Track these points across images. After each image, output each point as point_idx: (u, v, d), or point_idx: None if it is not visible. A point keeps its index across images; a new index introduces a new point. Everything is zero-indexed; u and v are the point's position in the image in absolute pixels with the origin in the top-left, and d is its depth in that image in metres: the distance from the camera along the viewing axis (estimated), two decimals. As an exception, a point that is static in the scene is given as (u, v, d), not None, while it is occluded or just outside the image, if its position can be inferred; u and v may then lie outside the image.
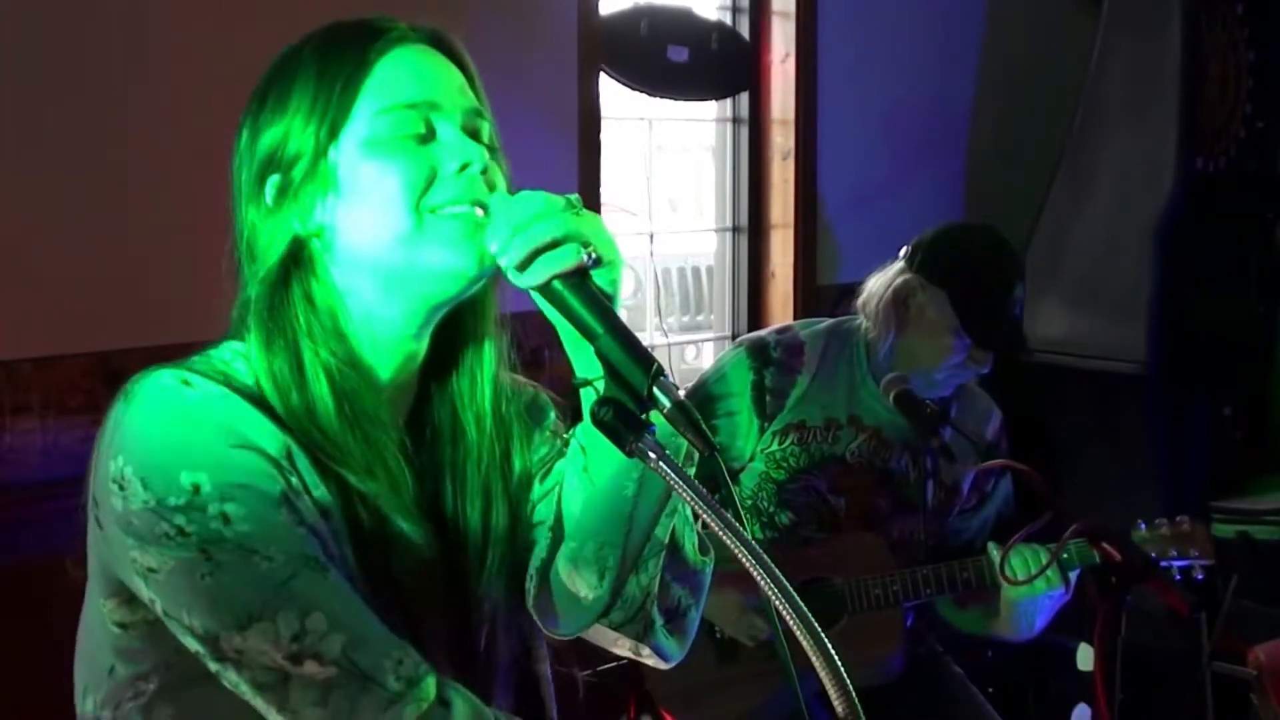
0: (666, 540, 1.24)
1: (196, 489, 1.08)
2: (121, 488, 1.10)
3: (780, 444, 2.41)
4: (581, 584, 1.24)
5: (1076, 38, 3.88)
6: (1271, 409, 3.79)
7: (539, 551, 1.29)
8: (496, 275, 1.18)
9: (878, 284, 2.44)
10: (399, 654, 1.10)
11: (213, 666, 1.10)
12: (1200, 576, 2.34)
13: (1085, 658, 2.36)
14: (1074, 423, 3.71)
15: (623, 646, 1.29)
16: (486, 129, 1.22)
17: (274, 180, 1.19)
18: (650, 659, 1.30)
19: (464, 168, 1.17)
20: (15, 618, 2.29)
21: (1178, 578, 2.33)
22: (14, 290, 2.34)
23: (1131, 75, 3.70)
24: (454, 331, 1.26)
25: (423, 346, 1.24)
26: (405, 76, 1.19)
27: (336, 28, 1.23)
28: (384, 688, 1.07)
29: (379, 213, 1.16)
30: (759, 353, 2.44)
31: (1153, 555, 2.28)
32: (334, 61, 1.19)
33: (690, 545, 1.29)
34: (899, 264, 2.43)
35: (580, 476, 1.23)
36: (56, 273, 2.38)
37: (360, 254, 1.18)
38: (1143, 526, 2.34)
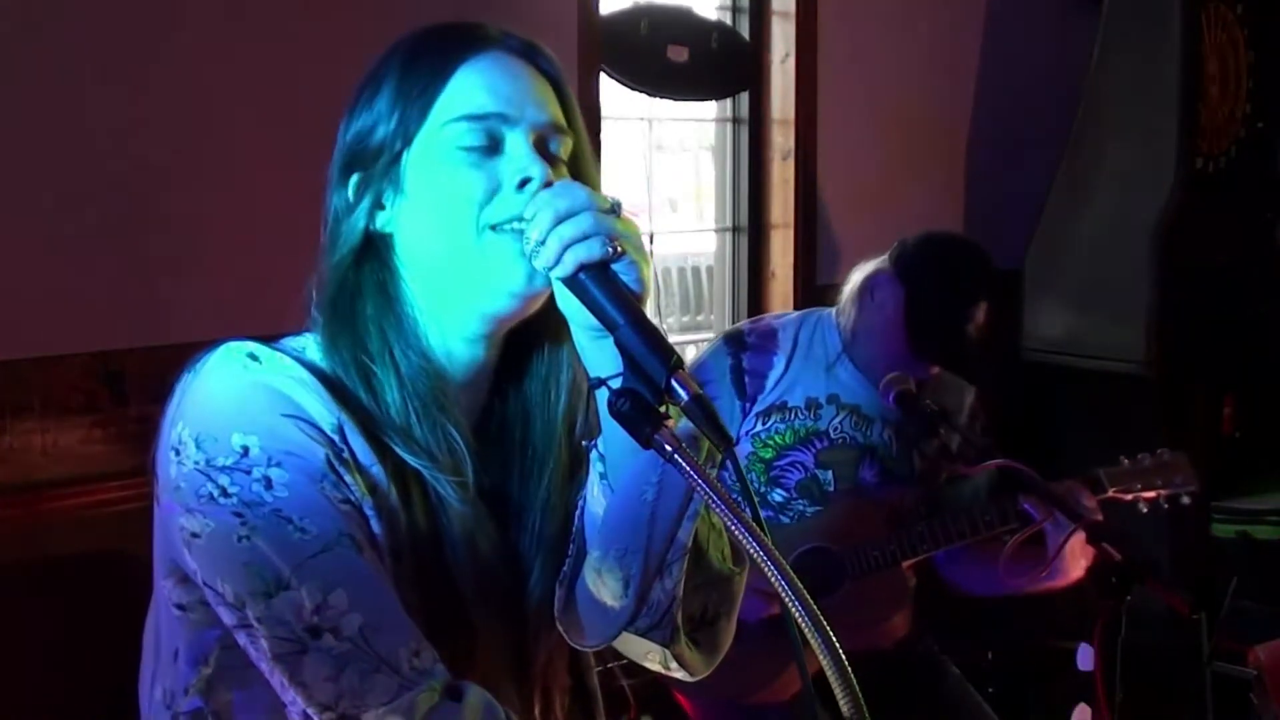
0: (690, 543, 1.23)
1: (245, 451, 1.11)
2: (177, 452, 1.13)
3: (764, 424, 2.49)
4: (607, 593, 1.24)
5: (1076, 38, 3.88)
6: (1271, 409, 3.80)
7: (566, 568, 1.29)
8: None
9: (858, 272, 2.53)
10: (416, 645, 1.11)
11: (241, 640, 1.12)
12: (1187, 501, 2.39)
13: (1085, 658, 2.36)
14: (1074, 423, 3.71)
15: (653, 660, 1.29)
16: (567, 144, 1.23)
17: (356, 175, 1.22)
18: (679, 672, 1.30)
19: (523, 184, 1.18)
20: (16, 617, 2.29)
21: (1164, 506, 2.38)
22: (14, 290, 2.34)
23: (1131, 75, 3.70)
24: (530, 336, 1.27)
25: (491, 355, 1.26)
26: (480, 86, 1.21)
27: (429, 30, 1.25)
28: (397, 672, 1.08)
29: (438, 224, 1.19)
30: (734, 340, 2.54)
31: (1138, 486, 2.35)
32: (418, 64, 1.22)
33: (716, 552, 1.28)
34: (884, 257, 2.50)
35: (600, 484, 1.23)
36: (56, 273, 2.39)
37: (418, 259, 1.21)
38: (1124, 461, 2.38)
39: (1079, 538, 2.28)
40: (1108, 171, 3.73)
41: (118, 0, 2.45)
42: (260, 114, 2.59)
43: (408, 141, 1.20)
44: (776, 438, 2.48)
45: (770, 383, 2.49)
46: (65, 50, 2.38)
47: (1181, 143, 3.59)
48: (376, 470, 1.17)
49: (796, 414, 2.49)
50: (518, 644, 1.29)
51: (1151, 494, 2.38)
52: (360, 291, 1.21)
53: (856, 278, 2.52)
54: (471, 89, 1.20)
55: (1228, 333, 3.69)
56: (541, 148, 1.21)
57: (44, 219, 2.38)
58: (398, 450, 1.18)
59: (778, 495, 2.49)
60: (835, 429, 2.50)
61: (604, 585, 1.24)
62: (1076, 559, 2.32)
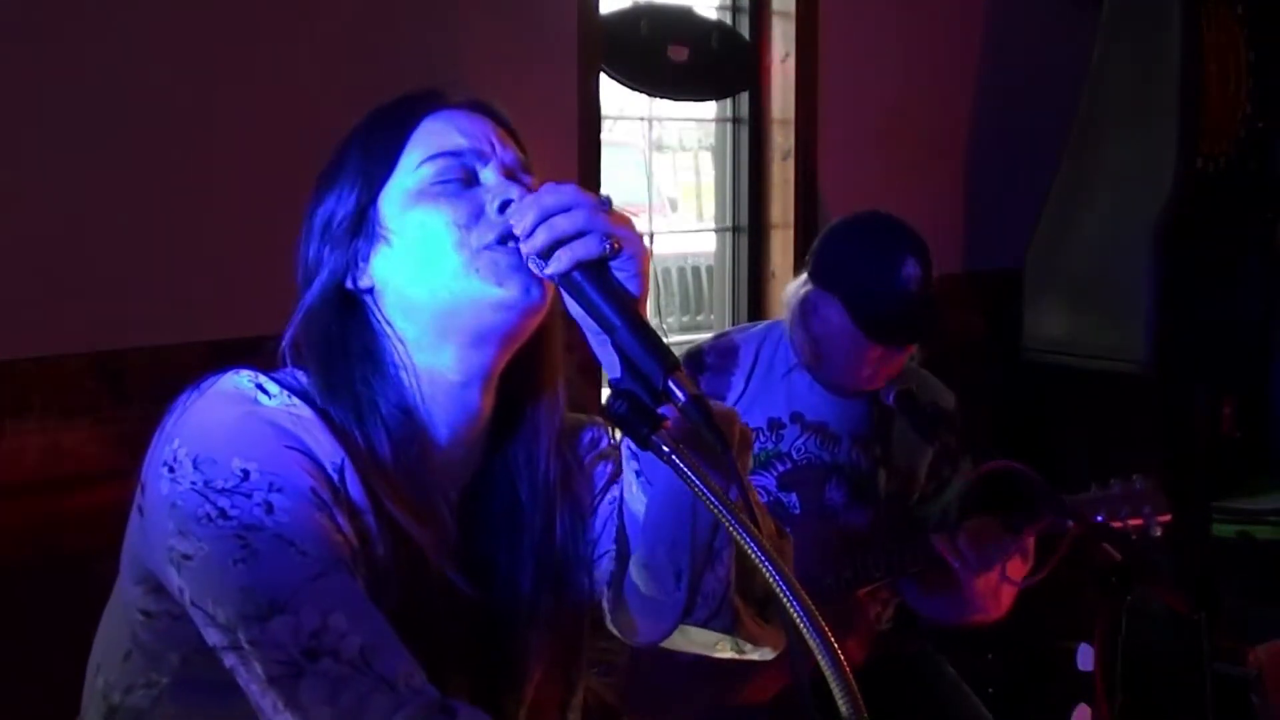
0: None
1: (246, 474, 1.10)
2: (171, 469, 1.12)
3: None
4: (658, 589, 1.24)
5: (1076, 38, 3.88)
6: (1271, 409, 3.80)
7: (609, 570, 1.29)
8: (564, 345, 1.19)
9: (790, 294, 2.43)
10: (409, 667, 1.10)
11: (228, 661, 1.10)
12: (1158, 533, 2.30)
13: (1085, 658, 2.36)
14: (1074, 423, 3.71)
15: (724, 649, 1.29)
16: (530, 184, 1.24)
17: (326, 244, 1.23)
18: (754, 653, 1.29)
19: (504, 206, 1.18)
20: (16, 616, 2.29)
21: (1133, 538, 2.28)
22: (14, 290, 2.34)
23: (1131, 75, 3.71)
24: (515, 399, 1.28)
25: (485, 405, 1.25)
26: (450, 130, 1.23)
27: (387, 102, 1.28)
28: (393, 691, 1.07)
29: (427, 255, 1.19)
30: (693, 361, 2.45)
31: (1099, 517, 2.26)
32: (381, 126, 1.25)
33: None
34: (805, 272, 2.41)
35: (637, 482, 1.23)
36: (56, 273, 2.39)
37: (413, 300, 1.20)
38: (1094, 488, 2.31)
39: (993, 577, 2.24)
40: (1108, 171, 3.73)
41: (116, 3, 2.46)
42: (261, 114, 2.59)
43: (377, 190, 1.21)
44: None
45: (729, 404, 2.41)
46: (68, 50, 2.38)
47: (1181, 143, 3.60)
48: (369, 518, 1.17)
49: (757, 436, 2.39)
50: (495, 708, 1.27)
51: (1118, 525, 2.26)
52: (346, 355, 1.21)
53: (792, 301, 2.41)
54: (440, 133, 1.23)
55: (1228, 333, 3.70)
56: (515, 180, 1.22)
57: (45, 218, 2.38)
58: (386, 504, 1.17)
59: None
60: (798, 449, 2.41)
61: (654, 581, 1.24)
62: (992, 597, 2.27)
